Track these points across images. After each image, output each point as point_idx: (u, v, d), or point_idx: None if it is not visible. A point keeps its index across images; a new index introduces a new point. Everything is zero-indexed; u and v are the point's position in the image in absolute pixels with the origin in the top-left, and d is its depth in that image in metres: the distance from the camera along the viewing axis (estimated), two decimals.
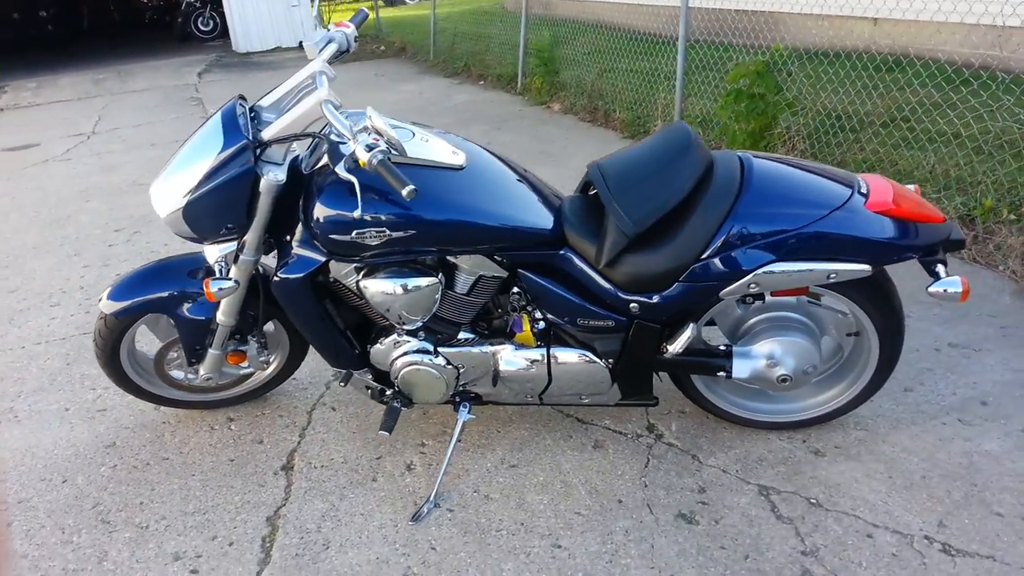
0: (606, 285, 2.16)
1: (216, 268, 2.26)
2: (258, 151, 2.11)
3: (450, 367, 2.33)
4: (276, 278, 2.23)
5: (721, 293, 2.09)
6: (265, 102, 2.26)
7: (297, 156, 2.26)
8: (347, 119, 1.94)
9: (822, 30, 7.25)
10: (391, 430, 2.32)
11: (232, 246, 2.25)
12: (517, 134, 6.56)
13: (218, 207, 2.11)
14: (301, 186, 2.18)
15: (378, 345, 2.36)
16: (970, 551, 1.97)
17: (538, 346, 2.30)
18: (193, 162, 2.11)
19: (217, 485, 2.42)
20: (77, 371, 3.13)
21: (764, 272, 2.03)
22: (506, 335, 2.35)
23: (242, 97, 2.25)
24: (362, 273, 2.21)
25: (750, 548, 2.04)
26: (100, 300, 2.43)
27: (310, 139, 2.16)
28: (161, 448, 2.62)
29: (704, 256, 2.05)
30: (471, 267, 2.22)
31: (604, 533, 2.13)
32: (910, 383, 2.67)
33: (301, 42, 13.62)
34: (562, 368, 2.29)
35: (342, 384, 2.45)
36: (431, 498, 2.28)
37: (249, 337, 2.55)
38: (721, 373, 2.29)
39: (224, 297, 2.23)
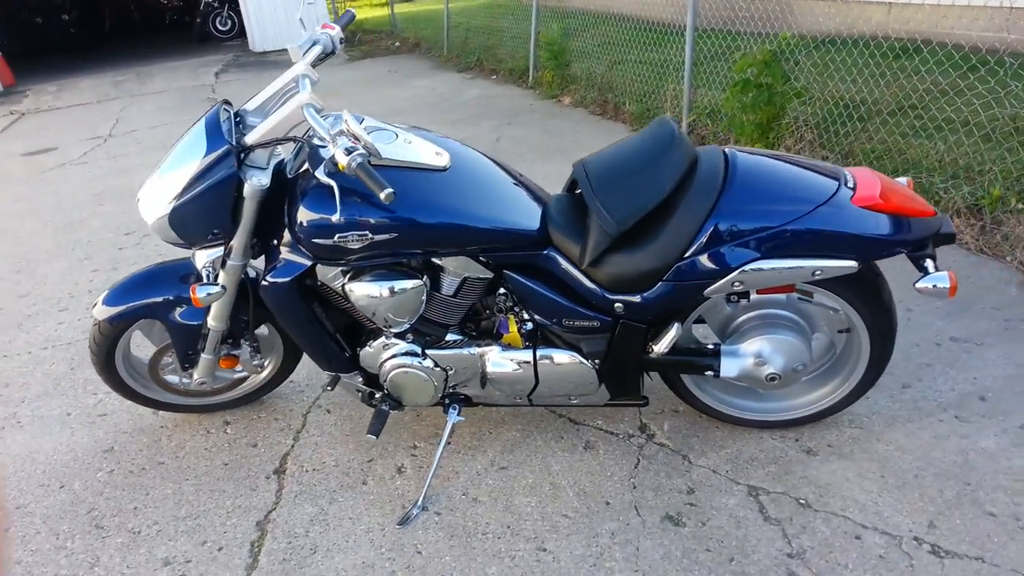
0: (590, 285, 2.15)
1: (203, 273, 2.28)
2: (242, 156, 2.13)
3: (438, 369, 2.32)
4: (264, 282, 2.24)
5: (706, 292, 2.06)
6: (250, 106, 2.27)
7: (282, 160, 2.27)
8: (329, 123, 1.94)
9: (836, 16, 7.12)
10: (378, 434, 2.32)
11: (220, 251, 2.27)
12: (527, 128, 6.53)
13: (203, 212, 2.12)
14: (287, 190, 2.19)
15: (367, 348, 2.37)
16: (959, 552, 1.93)
17: (525, 347, 2.29)
18: (178, 168, 2.12)
19: (210, 489, 2.45)
20: (80, 376, 3.17)
21: (748, 270, 2.00)
22: (494, 336, 2.34)
23: (227, 102, 2.26)
24: (347, 276, 2.21)
25: (735, 550, 2.02)
26: (94, 306, 2.46)
27: (294, 143, 2.16)
28: (157, 452, 2.65)
29: (687, 254, 2.03)
30: (456, 269, 2.22)
31: (590, 536, 2.12)
32: (908, 379, 2.62)
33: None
34: (549, 369, 2.27)
35: (329, 388, 2.46)
36: (419, 501, 2.29)
37: (242, 341, 2.57)
38: (709, 372, 2.26)
39: (211, 303, 2.25)
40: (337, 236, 2.06)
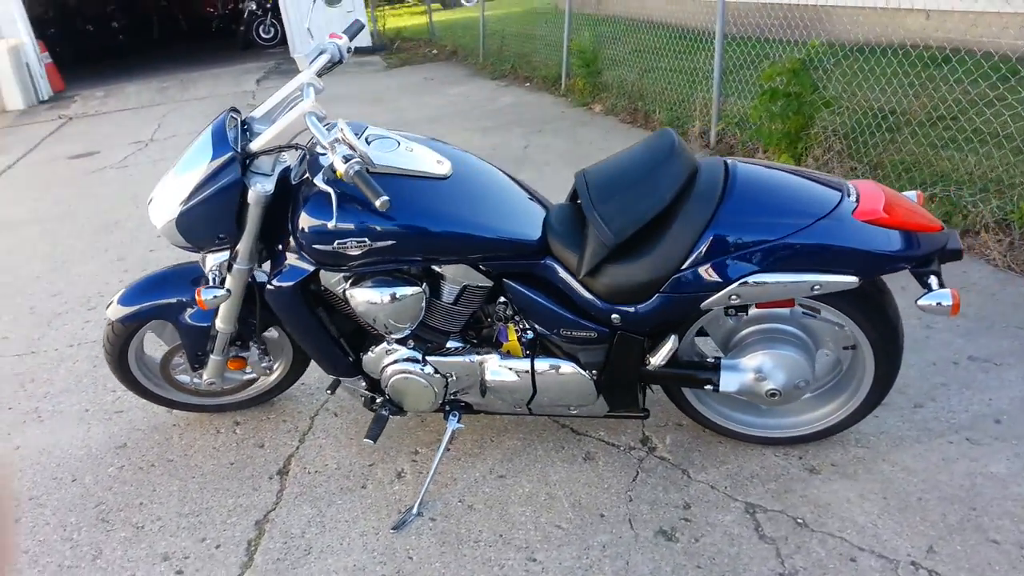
0: (587, 295, 2.14)
1: (210, 276, 2.32)
2: (248, 162, 2.17)
3: (438, 376, 2.33)
4: (270, 286, 2.28)
5: (703, 304, 2.04)
6: (257, 113, 2.32)
7: (288, 167, 2.31)
8: (330, 131, 1.97)
9: (871, 24, 7.00)
10: (376, 438, 2.34)
11: (226, 255, 2.31)
12: (556, 136, 6.53)
13: (208, 217, 2.17)
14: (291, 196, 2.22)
15: (369, 353, 2.39)
16: None
17: (524, 357, 2.29)
18: (185, 174, 2.18)
19: (214, 488, 2.49)
20: (101, 373, 3.25)
21: (745, 283, 1.97)
22: (494, 345, 2.35)
23: (234, 109, 2.31)
24: (349, 282, 2.24)
25: (727, 568, 1.99)
26: (108, 306, 2.52)
27: (300, 150, 2.20)
28: (168, 450, 2.70)
29: (684, 267, 2.01)
30: (456, 276, 2.23)
31: (581, 548, 2.11)
32: (921, 399, 2.55)
33: (356, 47, 13.80)
34: (547, 379, 2.27)
35: (329, 392, 2.49)
36: (415, 507, 2.30)
37: (250, 343, 2.61)
38: (709, 386, 2.24)
39: (215, 305, 2.29)
40: (336, 242, 2.08)
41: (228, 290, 2.29)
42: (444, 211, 2.10)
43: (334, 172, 1.95)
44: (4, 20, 11.52)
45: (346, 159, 1.85)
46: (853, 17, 7.35)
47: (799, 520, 2.12)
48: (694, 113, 5.97)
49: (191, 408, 2.85)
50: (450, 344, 2.35)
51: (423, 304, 2.23)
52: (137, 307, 2.49)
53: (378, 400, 2.44)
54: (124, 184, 6.42)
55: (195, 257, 2.42)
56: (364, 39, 13.87)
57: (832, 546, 2.02)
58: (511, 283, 2.20)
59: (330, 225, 2.01)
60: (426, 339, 2.34)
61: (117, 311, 2.50)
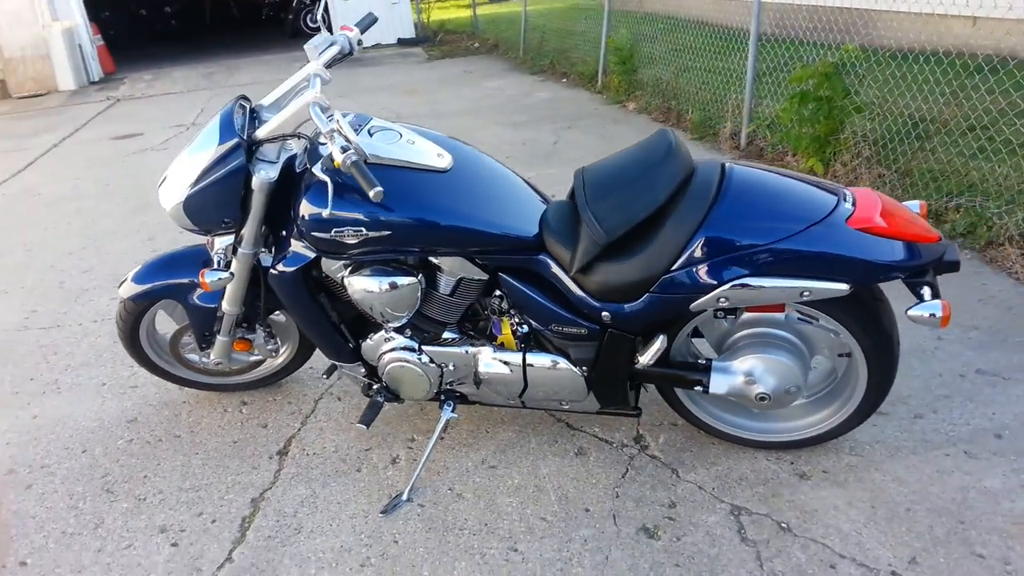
0: (579, 292, 2.15)
1: (215, 259, 2.40)
2: (254, 149, 2.23)
3: (433, 365, 2.37)
4: (273, 271, 2.34)
5: (692, 306, 2.04)
6: (266, 102, 2.38)
7: (294, 155, 2.36)
8: (331, 121, 2.01)
9: (918, 29, 6.84)
10: (369, 424, 2.39)
11: (232, 239, 2.37)
12: (586, 133, 6.53)
13: (214, 202, 2.23)
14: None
15: (368, 340, 2.44)
16: None
17: (517, 350, 2.31)
18: (193, 159, 2.24)
19: (215, 465, 2.56)
20: (121, 349, 3.33)
21: (734, 287, 1.97)
22: (489, 337, 2.38)
23: (244, 97, 2.37)
24: (348, 270, 2.29)
25: (704, 568, 1.99)
26: (121, 284, 2.61)
27: (305, 138, 2.25)
28: (176, 426, 2.79)
29: (674, 267, 2.01)
30: (452, 269, 2.26)
31: (563, 540, 2.13)
32: (922, 409, 2.52)
33: (399, 38, 13.93)
34: (538, 373, 2.29)
35: (325, 376, 2.55)
36: (405, 493, 2.34)
37: (256, 326, 2.68)
38: (699, 387, 2.24)
39: (217, 288, 2.36)
40: (334, 230, 2.13)
41: (231, 273, 2.35)
42: (441, 204, 2.13)
43: (332, 161, 2.00)
44: (59, 2, 11.85)
45: (344, 149, 1.90)
46: (897, 22, 7.19)
47: (783, 524, 2.11)
48: (726, 114, 5.91)
49: (200, 386, 2.93)
50: (446, 335, 2.38)
51: (419, 294, 2.26)
52: (148, 286, 2.57)
53: (374, 387, 2.49)
54: (163, 166, 6.55)
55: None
56: (408, 30, 14.01)
57: (813, 552, 2.01)
58: (506, 277, 2.23)
59: (325, 213, 2.06)
60: (423, 329, 2.38)
61: (129, 289, 2.58)
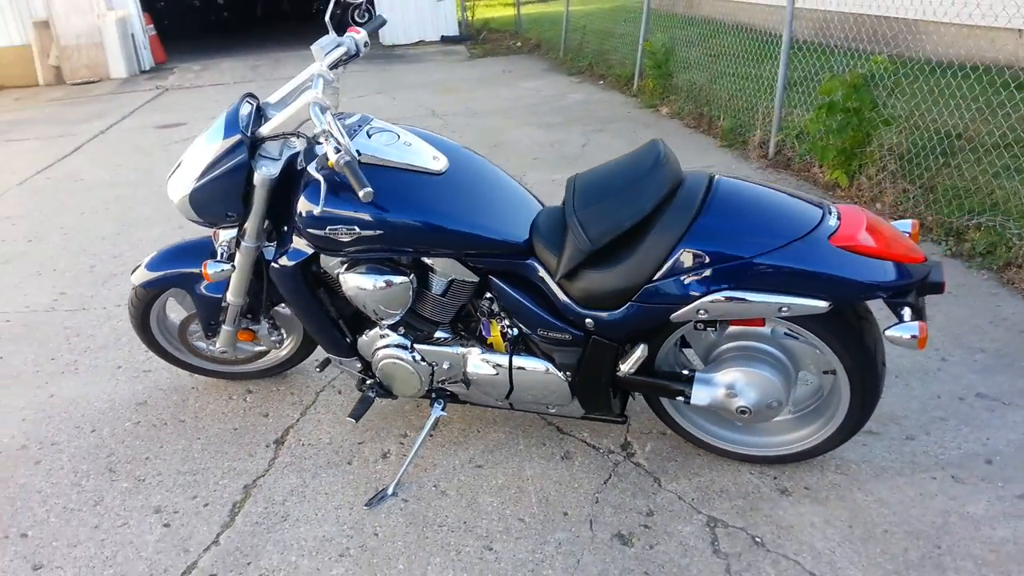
0: (564, 298, 2.18)
1: (219, 251, 2.48)
2: (258, 146, 2.31)
3: (424, 364, 2.42)
4: (274, 265, 2.41)
5: (672, 317, 2.05)
6: (272, 99, 2.46)
7: (296, 152, 2.43)
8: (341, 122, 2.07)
9: (964, 40, 6.70)
10: (359, 418, 2.45)
11: (235, 232, 2.46)
12: (615, 137, 6.52)
13: (217, 196, 2.32)
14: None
15: (364, 336, 2.50)
16: None
17: (504, 352, 2.35)
18: (200, 153, 2.33)
19: (215, 450, 2.65)
20: None
21: (713, 299, 1.98)
22: (479, 339, 2.42)
23: (251, 95, 2.45)
24: (344, 267, 2.35)
25: None
26: (134, 271, 2.71)
27: (301, 137, 2.32)
28: (182, 411, 2.89)
29: (656, 277, 2.03)
30: (443, 270, 2.31)
31: (538, 542, 2.17)
32: (914, 431, 2.49)
33: (443, 36, 14.02)
34: (523, 376, 2.32)
35: (319, 369, 2.62)
36: (391, 487, 2.40)
37: (261, 317, 2.76)
38: (681, 397, 2.25)
39: (219, 279, 2.45)
40: (328, 228, 2.19)
41: (233, 265, 2.44)
42: (433, 206, 2.18)
43: (327, 161, 2.06)
44: None
45: (338, 149, 1.96)
46: (941, 33, 7.04)
47: (757, 539, 2.12)
48: (756, 122, 5.86)
49: (208, 373, 3.03)
50: (439, 334, 2.43)
51: (410, 294, 2.32)
52: (158, 274, 2.67)
53: (368, 382, 2.55)
54: None
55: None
56: (452, 28, 14.11)
57: (784, 568, 2.01)
58: (496, 280, 2.27)
59: (317, 211, 2.12)
60: (416, 327, 2.43)
61: (140, 276, 2.69)
